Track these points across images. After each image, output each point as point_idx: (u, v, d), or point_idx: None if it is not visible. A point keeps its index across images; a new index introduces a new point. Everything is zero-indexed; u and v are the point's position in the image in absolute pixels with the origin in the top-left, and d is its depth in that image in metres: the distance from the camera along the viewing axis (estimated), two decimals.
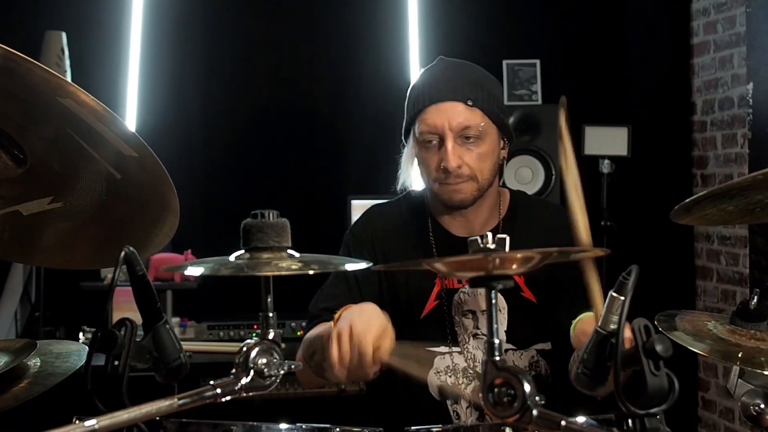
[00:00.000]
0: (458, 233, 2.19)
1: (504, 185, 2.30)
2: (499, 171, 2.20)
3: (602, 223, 4.16)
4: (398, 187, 2.27)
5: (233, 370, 1.23)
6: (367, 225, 2.27)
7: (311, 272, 1.23)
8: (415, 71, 4.41)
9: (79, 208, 1.50)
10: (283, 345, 1.29)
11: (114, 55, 4.24)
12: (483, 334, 2.07)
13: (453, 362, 2.13)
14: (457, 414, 2.11)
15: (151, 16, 4.30)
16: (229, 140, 4.44)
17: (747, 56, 4.01)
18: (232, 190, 4.34)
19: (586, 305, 1.59)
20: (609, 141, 4.22)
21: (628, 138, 4.23)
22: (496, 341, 1.22)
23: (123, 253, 1.26)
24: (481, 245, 1.23)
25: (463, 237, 2.15)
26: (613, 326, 1.34)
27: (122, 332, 1.25)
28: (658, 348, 1.25)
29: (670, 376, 1.23)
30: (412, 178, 2.23)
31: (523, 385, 1.16)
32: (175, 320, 3.85)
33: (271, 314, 1.29)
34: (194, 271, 1.27)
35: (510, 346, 2.13)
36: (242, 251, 1.29)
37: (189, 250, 3.87)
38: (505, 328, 2.12)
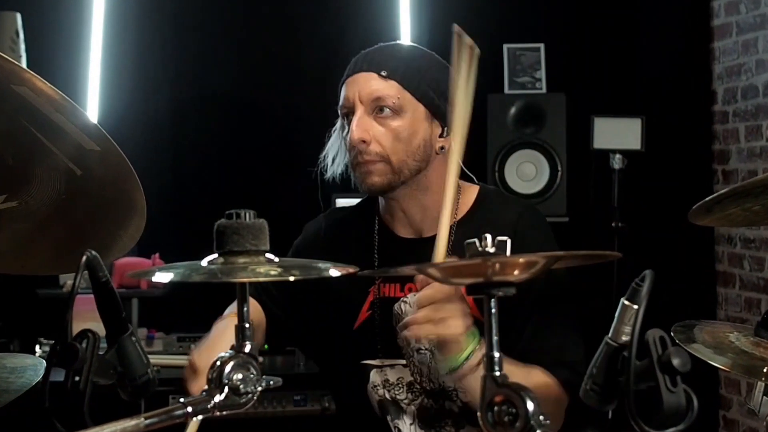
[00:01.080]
0: (403, 234, 2.18)
1: (476, 182, 2.23)
2: (458, 168, 2.03)
3: (613, 224, 4.16)
4: (326, 176, 2.26)
5: (205, 387, 1.23)
6: (315, 224, 2.31)
7: (291, 278, 1.23)
8: None
9: (35, 207, 1.49)
10: (260, 359, 1.29)
11: (74, 39, 4.23)
12: (427, 349, 2.04)
13: (397, 376, 2.11)
14: (399, 430, 2.11)
15: None
16: (200, 135, 4.43)
17: None
18: (204, 188, 4.34)
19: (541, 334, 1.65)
20: (620, 134, 4.21)
21: (642, 130, 4.21)
22: (496, 355, 1.22)
23: (84, 258, 1.26)
24: (480, 248, 1.23)
25: (408, 238, 2.18)
26: (625, 338, 1.34)
27: (83, 345, 1.25)
28: (675, 362, 1.24)
29: (688, 392, 1.22)
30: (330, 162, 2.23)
31: (525, 404, 1.16)
32: (142, 331, 3.85)
33: (247, 325, 1.29)
34: (162, 277, 1.27)
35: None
36: (215, 255, 1.29)
37: (156, 254, 3.88)
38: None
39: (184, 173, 4.36)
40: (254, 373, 1.26)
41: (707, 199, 1.58)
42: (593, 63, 4.51)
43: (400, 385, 2.11)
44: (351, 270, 1.30)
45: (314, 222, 2.33)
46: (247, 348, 1.28)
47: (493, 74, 4.33)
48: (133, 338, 1.34)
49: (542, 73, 4.42)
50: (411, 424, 2.10)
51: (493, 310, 1.22)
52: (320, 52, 4.41)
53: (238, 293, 1.29)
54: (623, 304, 1.36)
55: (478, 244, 1.23)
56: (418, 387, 2.09)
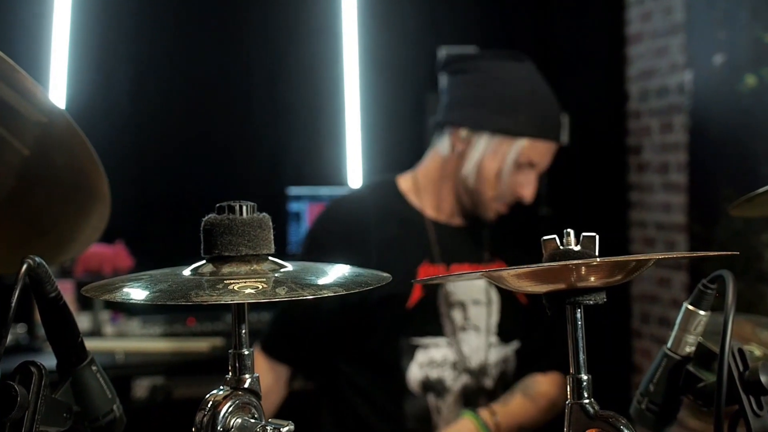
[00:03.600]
0: (443, 220, 1.94)
1: None
2: None
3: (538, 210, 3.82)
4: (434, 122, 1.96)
5: None
6: (350, 210, 1.97)
7: (309, 297, 0.75)
8: (350, 55, 3.95)
9: None
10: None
11: (38, 26, 3.61)
12: (473, 326, 1.85)
13: (442, 355, 1.81)
14: (439, 410, 1.80)
15: None
16: (163, 120, 3.84)
17: (687, 44, 3.65)
18: (166, 174, 3.77)
19: None
20: None
21: (569, 125, 3.89)
22: (585, 377, 0.81)
23: (25, 267, 0.77)
24: (561, 247, 0.78)
25: (457, 226, 1.92)
26: (689, 349, 0.99)
27: (26, 384, 0.76)
28: (764, 379, 0.88)
29: None
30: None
31: None
32: (105, 314, 3.28)
33: (246, 352, 0.81)
34: (136, 294, 0.77)
35: (495, 339, 1.87)
36: (203, 262, 0.81)
37: (121, 242, 3.32)
38: (497, 321, 1.88)
39: (146, 160, 3.78)
40: (257, 416, 0.79)
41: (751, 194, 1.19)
42: None
43: (444, 365, 1.82)
44: (385, 276, 0.84)
45: (344, 205, 2.01)
46: (247, 382, 0.80)
47: (429, 75, 3.91)
48: (94, 367, 0.86)
49: None
50: (452, 403, 1.81)
51: (580, 322, 0.80)
52: (270, 54, 3.95)
53: (234, 312, 0.81)
54: (686, 309, 0.99)
55: (558, 241, 0.78)
56: (461, 366, 1.83)
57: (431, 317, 1.82)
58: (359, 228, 1.87)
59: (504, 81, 1.82)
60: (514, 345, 1.88)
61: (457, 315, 1.83)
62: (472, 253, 1.90)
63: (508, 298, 1.87)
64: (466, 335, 1.83)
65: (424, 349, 1.80)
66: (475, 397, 1.82)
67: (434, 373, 1.79)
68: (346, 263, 0.90)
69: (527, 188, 1.83)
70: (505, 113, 1.80)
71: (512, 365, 1.88)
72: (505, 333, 1.87)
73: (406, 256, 1.84)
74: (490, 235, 1.92)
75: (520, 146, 1.79)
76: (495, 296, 1.87)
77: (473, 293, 1.84)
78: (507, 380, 1.86)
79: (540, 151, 1.81)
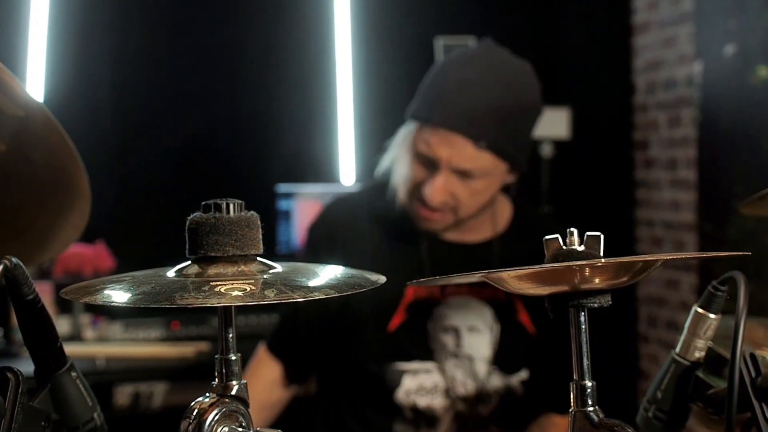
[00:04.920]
0: (448, 238, 1.82)
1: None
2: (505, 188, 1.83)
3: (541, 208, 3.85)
4: (379, 172, 1.84)
5: None
6: (345, 210, 1.90)
7: (300, 299, 0.75)
8: (342, 47, 3.95)
9: None
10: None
11: (15, 20, 3.60)
12: (466, 356, 1.76)
13: (432, 382, 1.75)
14: None
15: None
16: (145, 117, 3.84)
17: (696, 34, 3.66)
18: (150, 171, 3.77)
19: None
20: (548, 122, 3.84)
21: (570, 119, 3.91)
22: (589, 384, 0.80)
23: (1, 268, 0.76)
24: (564, 247, 0.78)
25: (453, 242, 1.82)
26: (698, 354, 0.99)
27: (2, 391, 0.76)
28: None
29: None
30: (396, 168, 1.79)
31: None
32: (86, 317, 3.28)
33: (233, 357, 0.81)
34: (118, 297, 0.77)
35: (492, 368, 1.79)
36: (188, 262, 0.81)
37: (102, 242, 3.32)
38: (494, 352, 1.77)
39: (129, 152, 3.78)
40: (245, 424, 0.79)
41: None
42: (522, 54, 4.11)
43: (435, 392, 1.75)
44: (383, 280, 0.83)
45: (340, 207, 1.93)
46: (234, 389, 0.80)
47: (426, 67, 3.90)
48: (73, 373, 0.86)
49: None
50: None
51: (584, 326, 0.80)
52: (262, 36, 3.93)
53: (220, 315, 0.81)
54: (696, 312, 0.99)
55: (561, 240, 0.78)
56: (453, 393, 1.75)
57: (419, 341, 1.75)
58: (347, 236, 1.81)
59: (446, 67, 1.72)
60: (522, 375, 1.79)
61: (449, 341, 1.76)
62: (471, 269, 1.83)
63: (510, 326, 1.78)
64: (458, 362, 1.76)
65: (413, 375, 1.75)
66: (470, 425, 1.76)
67: (422, 401, 1.74)
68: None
69: (428, 188, 1.67)
70: (416, 99, 1.72)
71: (519, 397, 1.79)
72: (506, 364, 1.78)
73: (395, 271, 1.79)
74: (498, 256, 1.82)
75: (417, 137, 1.69)
76: (495, 324, 1.77)
77: (469, 319, 1.76)
78: (512, 412, 1.79)
79: (434, 146, 1.65)
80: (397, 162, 1.74)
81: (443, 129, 1.64)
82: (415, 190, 1.71)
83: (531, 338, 1.79)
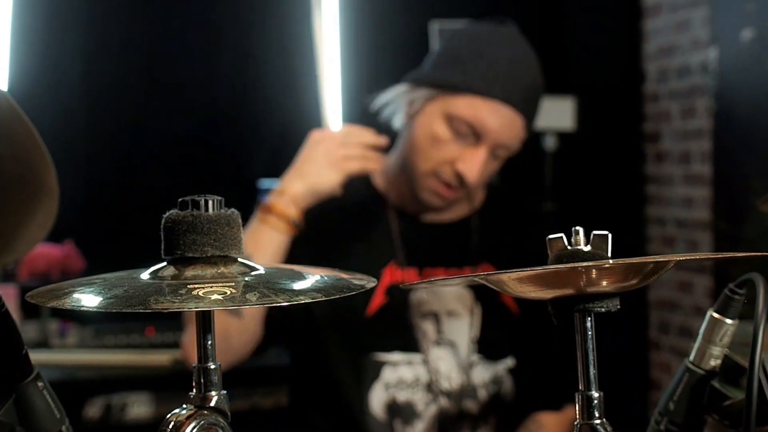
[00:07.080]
0: (420, 217, 1.86)
1: None
2: None
3: (544, 207, 3.88)
4: (374, 108, 1.84)
5: None
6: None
7: (284, 304, 0.75)
8: (330, 31, 3.93)
9: None
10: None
11: None
12: (448, 342, 1.78)
13: (413, 374, 1.75)
14: None
15: None
16: (116, 113, 3.86)
17: (711, 17, 3.67)
18: (122, 166, 3.79)
19: None
20: (552, 113, 3.85)
21: (575, 109, 3.93)
22: (595, 395, 0.80)
23: None
24: (569, 247, 0.78)
25: (429, 223, 1.84)
26: (714, 362, 0.99)
27: None
28: None
29: None
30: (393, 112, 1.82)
31: None
32: (54, 323, 3.30)
33: (213, 366, 0.81)
34: (88, 301, 0.77)
35: (477, 357, 1.80)
36: (164, 264, 0.81)
37: (71, 241, 3.32)
38: (477, 336, 1.79)
39: (99, 146, 3.79)
40: None
41: None
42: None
43: (416, 386, 1.75)
44: (371, 284, 0.83)
45: None
46: (213, 400, 0.80)
47: (421, 55, 3.91)
48: (40, 383, 0.86)
49: None
50: (425, 430, 1.74)
51: (590, 332, 0.80)
52: (239, 31, 3.96)
53: (197, 321, 0.81)
54: (711, 317, 0.99)
55: (565, 240, 0.79)
56: (436, 387, 1.76)
57: (399, 329, 1.76)
58: (321, 224, 1.80)
59: (468, 39, 1.74)
60: (508, 363, 1.81)
61: (429, 328, 1.77)
62: (449, 253, 1.83)
63: (493, 307, 1.80)
64: (441, 351, 1.76)
65: (393, 367, 1.75)
66: (454, 424, 1.75)
67: (402, 396, 1.73)
68: (310, 263, 0.90)
69: (468, 163, 1.67)
70: (449, 65, 1.70)
71: (508, 387, 1.81)
72: (491, 349, 1.79)
73: (368, 258, 1.78)
74: (477, 233, 1.85)
75: (457, 103, 1.68)
76: (476, 307, 1.80)
77: (448, 303, 1.77)
78: (502, 405, 1.80)
79: (485, 117, 1.66)
80: (422, 125, 1.72)
81: (493, 100, 1.66)
82: (437, 164, 1.71)
83: (515, 318, 1.82)
